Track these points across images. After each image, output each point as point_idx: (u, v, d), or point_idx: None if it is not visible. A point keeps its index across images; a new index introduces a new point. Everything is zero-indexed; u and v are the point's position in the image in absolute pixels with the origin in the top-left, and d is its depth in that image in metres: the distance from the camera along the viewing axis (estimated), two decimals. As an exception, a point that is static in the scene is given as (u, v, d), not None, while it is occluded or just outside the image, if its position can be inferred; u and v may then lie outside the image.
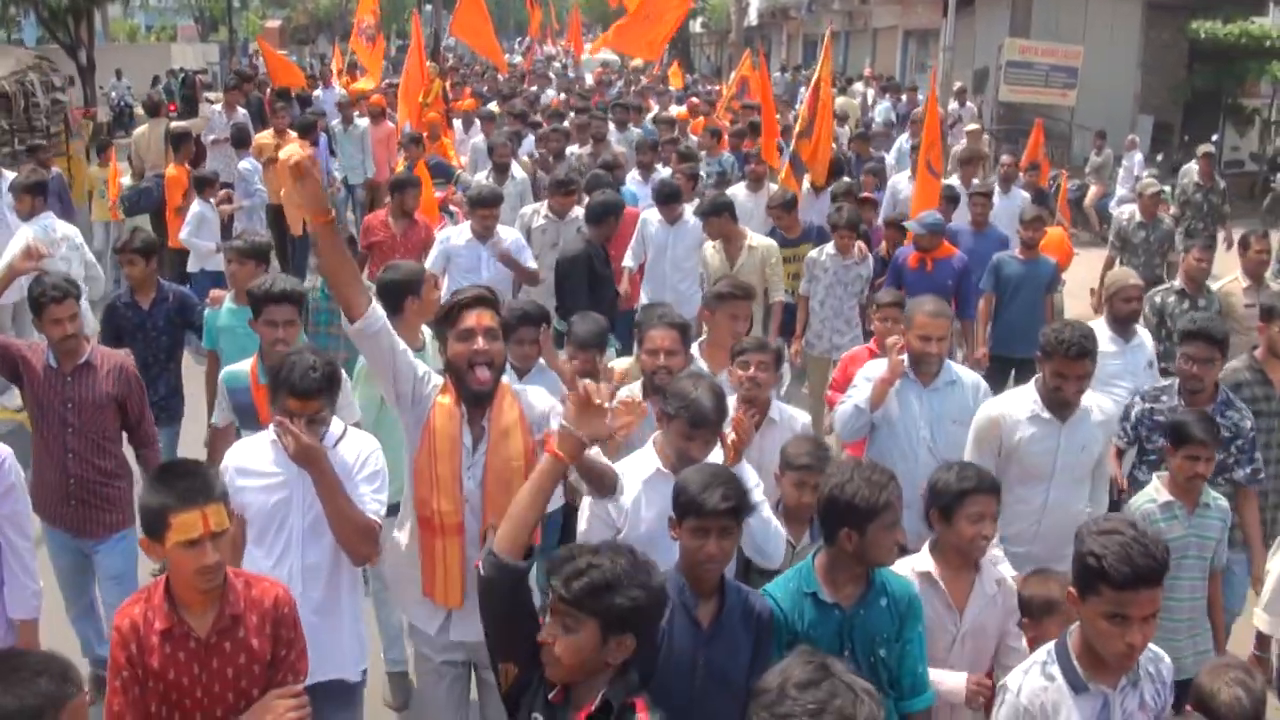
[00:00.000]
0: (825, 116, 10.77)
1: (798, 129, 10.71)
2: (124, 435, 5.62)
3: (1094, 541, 3.10)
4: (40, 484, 5.43)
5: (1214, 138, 21.66)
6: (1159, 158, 19.19)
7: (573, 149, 12.59)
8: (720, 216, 8.23)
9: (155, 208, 11.67)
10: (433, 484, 3.94)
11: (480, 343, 3.87)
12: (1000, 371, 8.51)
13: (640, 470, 4.21)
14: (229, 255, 6.74)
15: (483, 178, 10.87)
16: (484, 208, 8.16)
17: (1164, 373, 6.94)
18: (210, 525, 3.15)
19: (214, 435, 5.59)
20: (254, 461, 4.13)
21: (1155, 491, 4.94)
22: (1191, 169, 13.21)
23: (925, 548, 4.16)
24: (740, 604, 3.53)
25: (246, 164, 12.06)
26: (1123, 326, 6.63)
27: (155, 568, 5.79)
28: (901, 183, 11.81)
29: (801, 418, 5.36)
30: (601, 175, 9.86)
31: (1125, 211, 15.67)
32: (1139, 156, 17.26)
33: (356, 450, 4.20)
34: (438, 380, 4.04)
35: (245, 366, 5.47)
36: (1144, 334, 6.78)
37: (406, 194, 8.94)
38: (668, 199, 8.90)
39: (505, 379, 4.12)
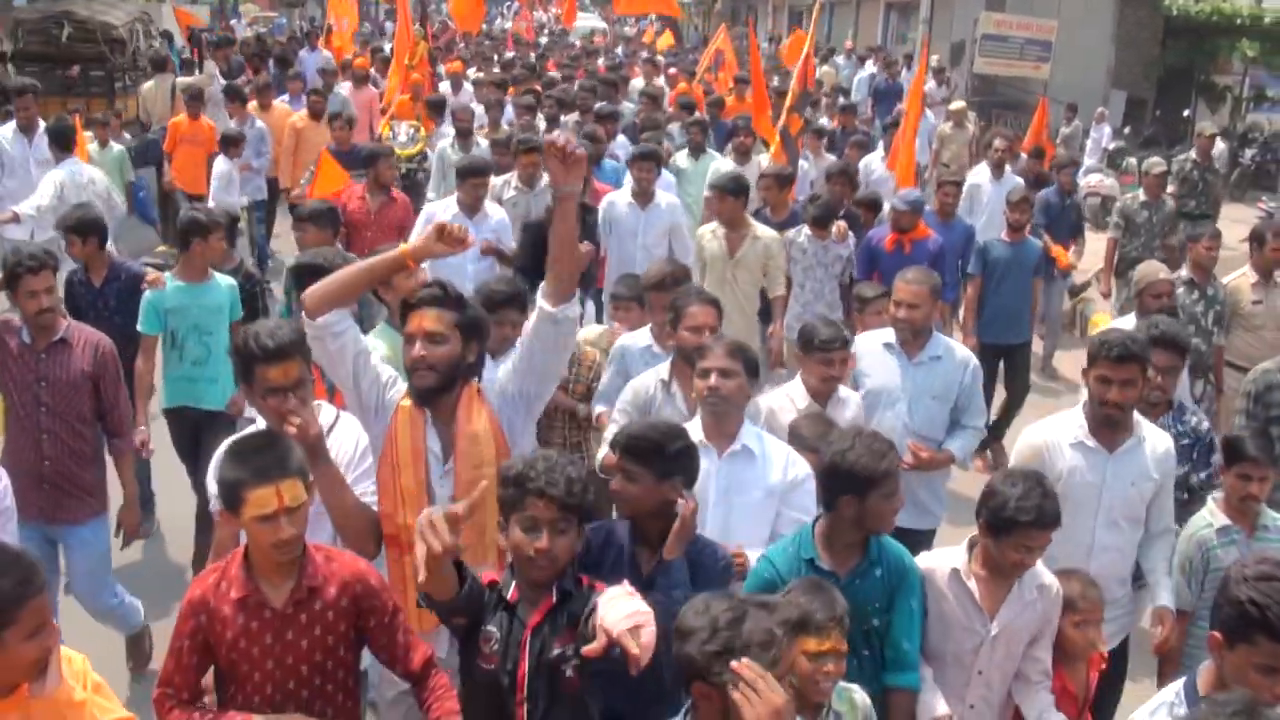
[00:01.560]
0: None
1: (789, 103, 10.46)
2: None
3: (1252, 588, 2.90)
4: (14, 466, 5.09)
5: (1185, 113, 22.24)
6: (1126, 130, 19.71)
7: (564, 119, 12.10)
8: (739, 199, 7.65)
9: (161, 160, 12.10)
10: (397, 497, 3.74)
11: (417, 348, 3.69)
12: (990, 359, 8.23)
13: None
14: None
15: (447, 145, 10.69)
16: (475, 176, 7.65)
17: (1193, 371, 6.70)
18: (285, 501, 3.14)
19: None
20: None
21: (1210, 515, 4.62)
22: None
23: (965, 543, 3.93)
24: (692, 556, 3.58)
25: (262, 125, 12.16)
26: None
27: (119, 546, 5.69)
28: (874, 162, 11.53)
29: (854, 396, 5.27)
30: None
31: (1097, 181, 16.23)
32: (1107, 129, 17.80)
33: (355, 438, 4.01)
34: (403, 385, 3.87)
35: None
36: None
37: (380, 166, 8.56)
38: (644, 156, 8.27)
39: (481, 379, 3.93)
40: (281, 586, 3.26)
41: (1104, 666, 4.28)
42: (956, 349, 5.59)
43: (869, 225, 8.77)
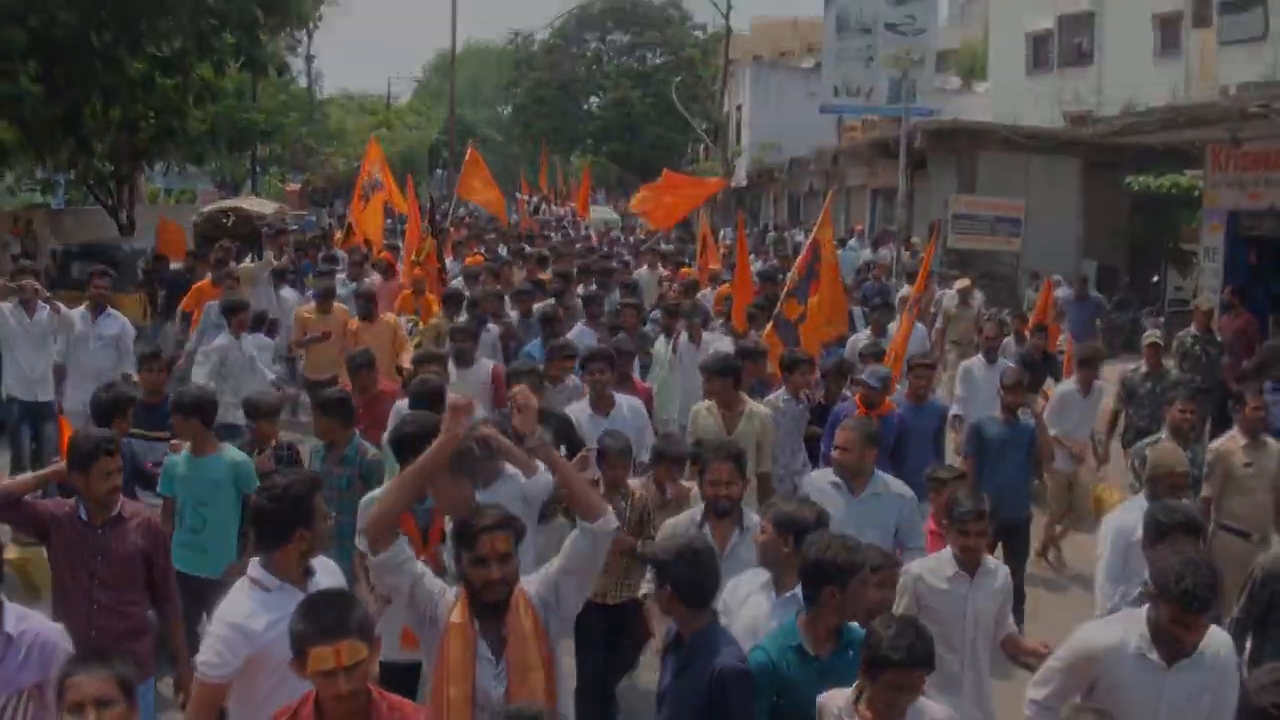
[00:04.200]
0: (827, 276, 10.69)
1: (787, 288, 10.70)
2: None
3: (1271, 694, 3.19)
4: None
5: (1154, 279, 23.58)
6: (1091, 293, 21.06)
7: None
8: (727, 378, 7.75)
9: None
10: (444, 708, 3.98)
11: (494, 572, 3.99)
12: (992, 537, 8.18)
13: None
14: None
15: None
16: (428, 364, 7.92)
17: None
18: (343, 660, 3.36)
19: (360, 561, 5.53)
20: (255, 616, 4.21)
21: None
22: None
23: (855, 685, 4.13)
24: (702, 661, 4.26)
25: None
26: None
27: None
28: (860, 340, 11.43)
29: (1003, 567, 5.57)
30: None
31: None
32: (1061, 292, 18.98)
33: (337, 576, 4.47)
34: (451, 596, 4.14)
35: None
36: None
37: (361, 375, 8.56)
38: (595, 358, 7.79)
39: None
40: None
41: None
42: (894, 486, 6.27)
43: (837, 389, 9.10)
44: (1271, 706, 3.16)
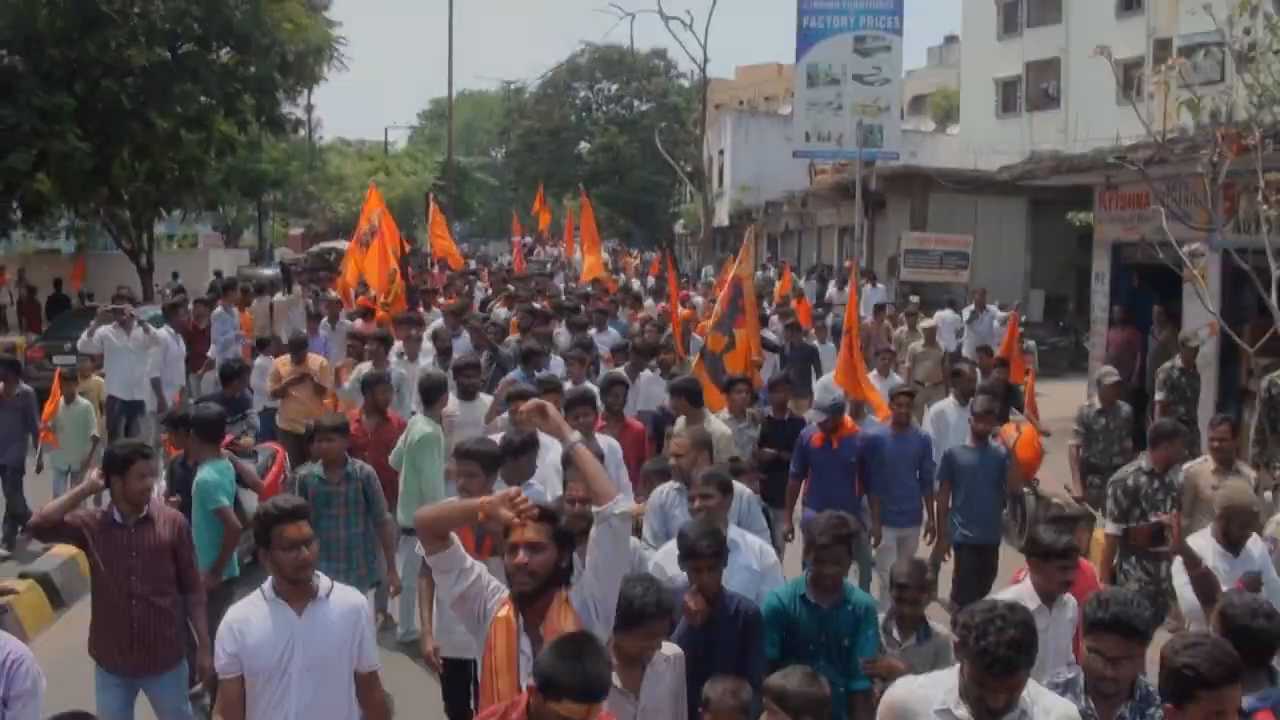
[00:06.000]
0: (748, 314, 10.90)
1: (711, 322, 11.05)
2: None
3: (1185, 655, 3.45)
4: (101, 634, 5.97)
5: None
6: (1023, 319, 22.85)
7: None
8: (682, 398, 8.65)
9: None
10: (494, 699, 4.03)
11: (520, 556, 4.08)
12: (968, 559, 8.64)
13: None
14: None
15: (429, 362, 11.47)
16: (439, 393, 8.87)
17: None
18: (589, 715, 3.46)
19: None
20: (256, 620, 4.60)
21: None
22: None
23: None
24: (732, 607, 5.05)
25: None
26: (1237, 545, 6.17)
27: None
28: (829, 377, 11.50)
29: (1072, 600, 5.53)
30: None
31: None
32: (997, 313, 20.68)
33: (349, 605, 4.72)
34: (502, 593, 4.25)
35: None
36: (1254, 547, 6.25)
37: (376, 391, 9.30)
38: (580, 401, 8.18)
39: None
40: None
41: None
42: (743, 491, 6.72)
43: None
44: (1184, 666, 3.46)
